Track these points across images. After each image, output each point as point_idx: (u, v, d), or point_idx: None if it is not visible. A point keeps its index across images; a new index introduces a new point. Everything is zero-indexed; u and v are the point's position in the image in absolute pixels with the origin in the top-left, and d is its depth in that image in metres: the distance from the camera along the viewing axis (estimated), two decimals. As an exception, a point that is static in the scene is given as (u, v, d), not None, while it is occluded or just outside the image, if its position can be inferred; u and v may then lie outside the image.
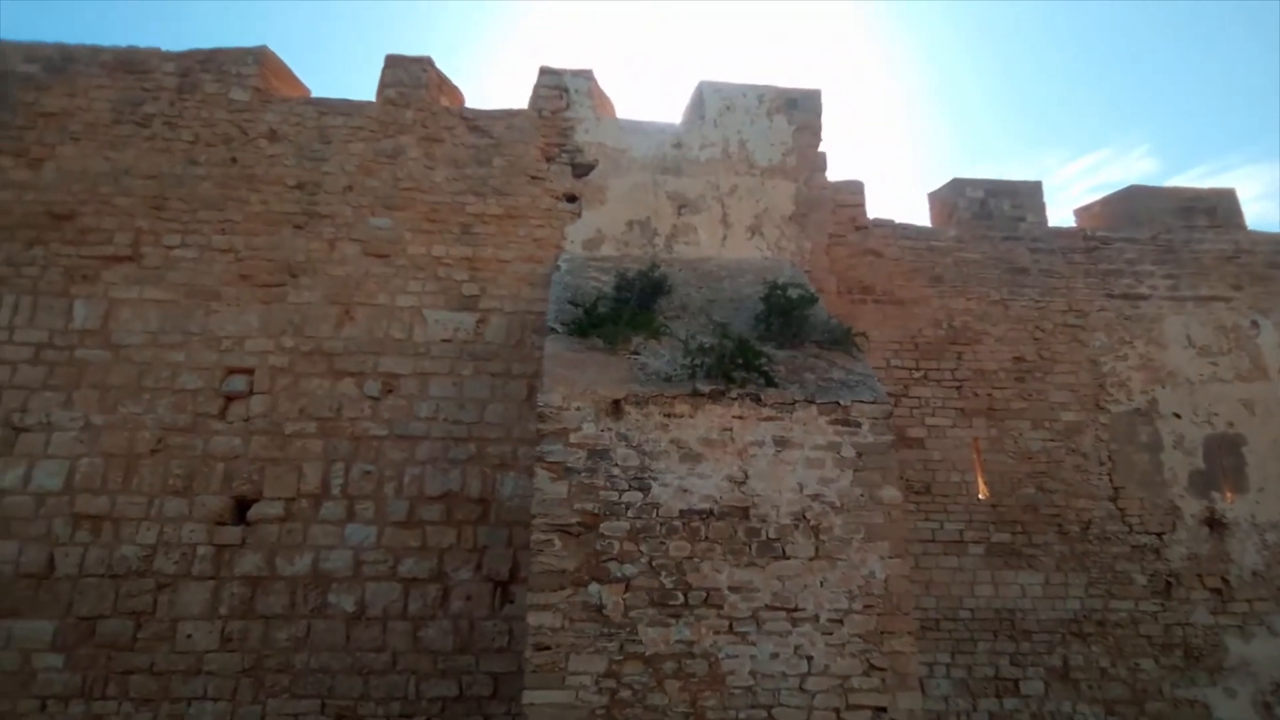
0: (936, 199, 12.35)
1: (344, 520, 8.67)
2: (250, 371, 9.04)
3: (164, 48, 10.08)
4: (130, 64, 9.97)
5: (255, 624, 8.28)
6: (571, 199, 10.15)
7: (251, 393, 8.98)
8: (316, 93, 10.68)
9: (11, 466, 8.50)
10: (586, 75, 10.75)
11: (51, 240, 9.27)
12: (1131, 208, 12.41)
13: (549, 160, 10.27)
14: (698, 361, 7.63)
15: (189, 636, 8.21)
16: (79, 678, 8.02)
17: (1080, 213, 13.13)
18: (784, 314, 8.64)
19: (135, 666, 8.10)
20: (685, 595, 6.82)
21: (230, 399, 8.96)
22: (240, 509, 8.64)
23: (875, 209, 12.58)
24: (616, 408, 7.29)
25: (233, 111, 9.94)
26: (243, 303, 9.28)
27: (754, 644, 6.72)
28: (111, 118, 9.77)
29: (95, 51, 9.95)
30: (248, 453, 8.77)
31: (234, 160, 9.78)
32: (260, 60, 10.11)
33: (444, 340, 9.43)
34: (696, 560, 6.93)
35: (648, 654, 6.62)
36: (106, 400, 8.80)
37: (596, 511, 6.99)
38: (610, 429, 7.23)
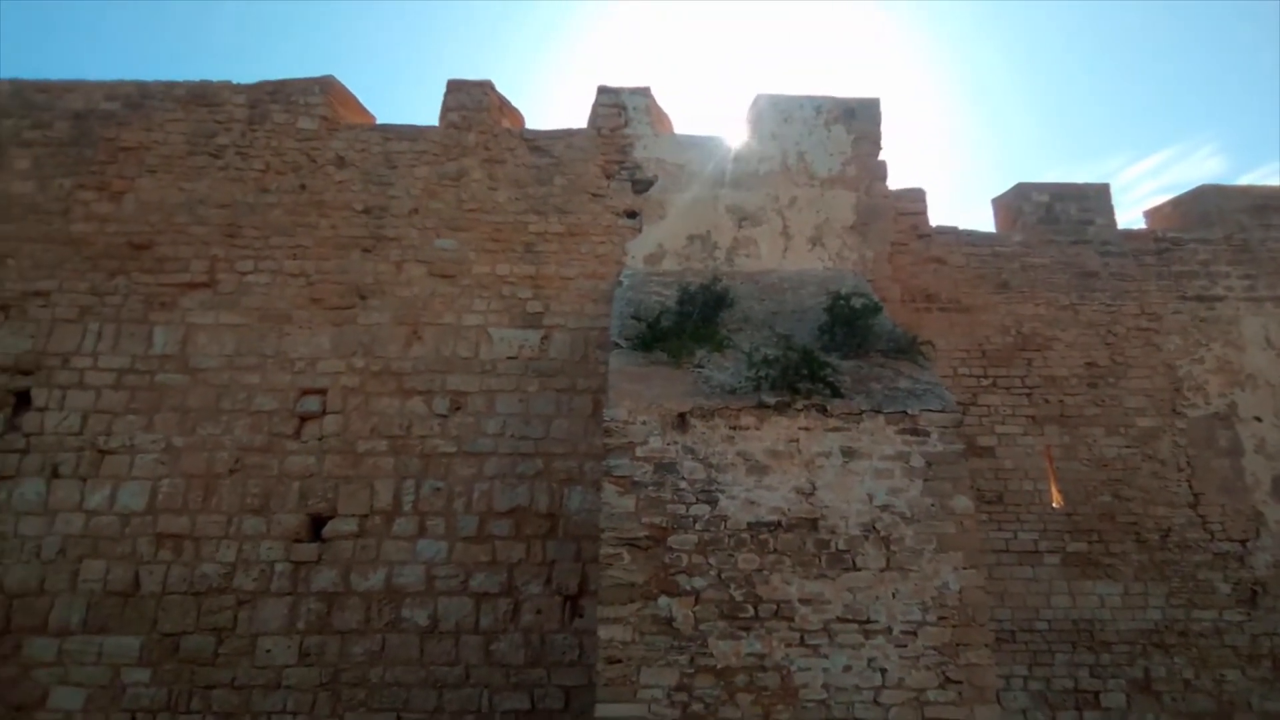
0: (1001, 204, 12.18)
1: (416, 536, 8.82)
2: (323, 392, 9.27)
3: (233, 79, 10.42)
4: (202, 97, 10.33)
5: (332, 639, 8.45)
6: (632, 215, 10.23)
7: (325, 413, 9.19)
8: (381, 119, 10.94)
9: (98, 488, 8.82)
10: (644, 92, 10.84)
11: (132, 269, 9.63)
12: (1203, 208, 12.10)
13: (609, 177, 10.37)
14: (762, 373, 7.61)
15: (268, 651, 8.40)
16: (165, 692, 8.26)
17: (1150, 214, 12.84)
18: (848, 324, 8.58)
19: (217, 681, 8.32)
20: (755, 608, 6.78)
21: (304, 419, 9.19)
22: (316, 526, 8.85)
23: (937, 217, 12.44)
24: (682, 421, 7.31)
25: (301, 140, 10.23)
26: (314, 325, 9.52)
27: (826, 656, 6.66)
28: (186, 150, 10.12)
29: (170, 86, 10.34)
30: (322, 471, 8.98)
31: (303, 187, 10.05)
32: (326, 89, 10.39)
33: (509, 357, 9.56)
34: (766, 572, 6.90)
35: (719, 667, 6.60)
36: (186, 422, 9.09)
37: (664, 525, 7.00)
38: (676, 442, 7.24)
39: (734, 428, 7.32)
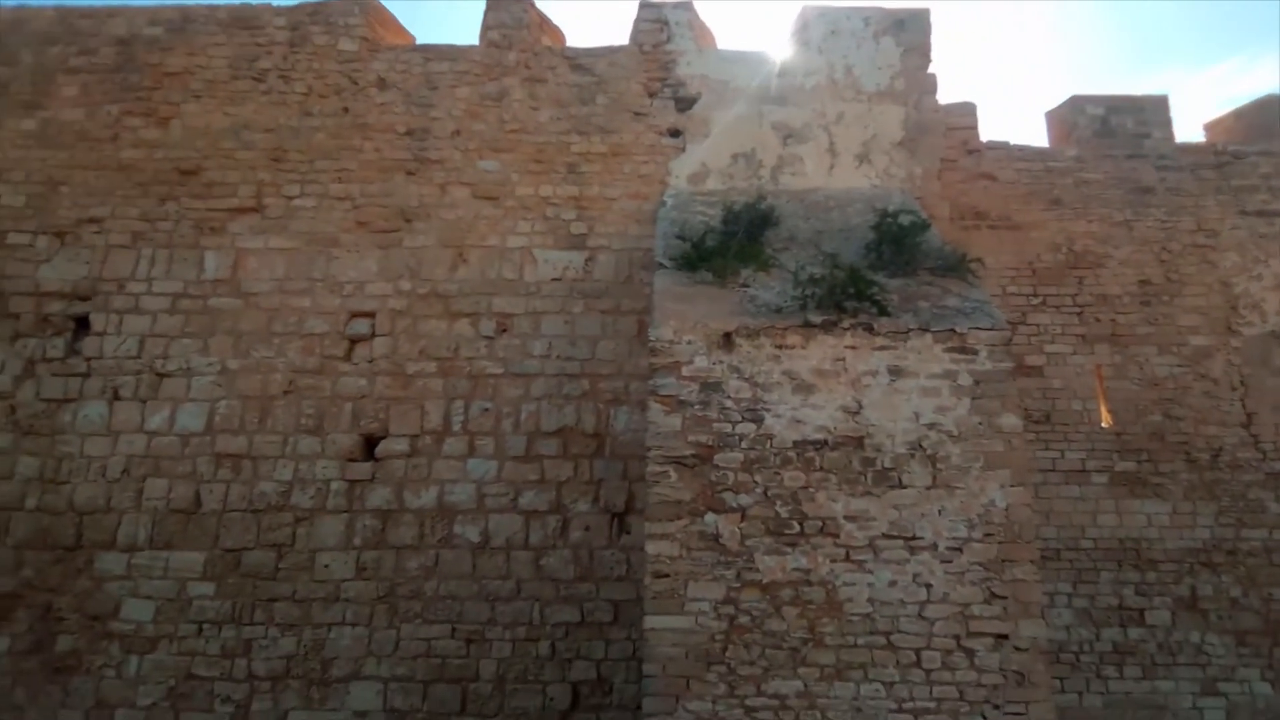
0: (1054, 118, 11.85)
1: (465, 455, 8.99)
2: (372, 315, 9.39)
3: (273, 1, 10.36)
4: (243, 20, 10.31)
5: (387, 554, 8.71)
6: (675, 134, 10.11)
7: (374, 335, 9.33)
8: (420, 39, 10.83)
9: (157, 410, 9.07)
10: (686, 6, 10.61)
11: (181, 195, 9.74)
12: (1267, 119, 11.67)
13: (652, 95, 10.22)
14: (808, 292, 7.57)
15: (326, 566, 8.69)
16: (229, 605, 8.60)
17: (1210, 127, 12.42)
18: (895, 242, 8.48)
19: (279, 595, 8.63)
20: (801, 524, 6.87)
21: (354, 341, 9.33)
22: (369, 446, 9.05)
23: (988, 131, 12.13)
24: (728, 340, 7.32)
25: (342, 62, 10.19)
26: (361, 249, 9.61)
27: (871, 572, 6.74)
28: (229, 74, 10.14)
29: (212, 10, 10.32)
30: (373, 392, 9.15)
31: (346, 110, 10.04)
32: (366, 10, 10.31)
33: (554, 279, 9.58)
34: (811, 490, 6.96)
35: (765, 581, 6.72)
36: (240, 346, 9.28)
37: (710, 443, 7.07)
38: (722, 361, 7.27)
39: (780, 347, 7.32)
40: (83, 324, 9.37)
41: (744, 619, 6.63)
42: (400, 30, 10.82)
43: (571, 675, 8.43)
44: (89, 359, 9.22)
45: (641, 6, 10.61)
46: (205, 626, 8.53)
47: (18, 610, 8.59)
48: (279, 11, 10.34)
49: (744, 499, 6.93)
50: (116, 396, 9.10)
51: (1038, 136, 12.84)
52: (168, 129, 9.96)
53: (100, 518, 8.79)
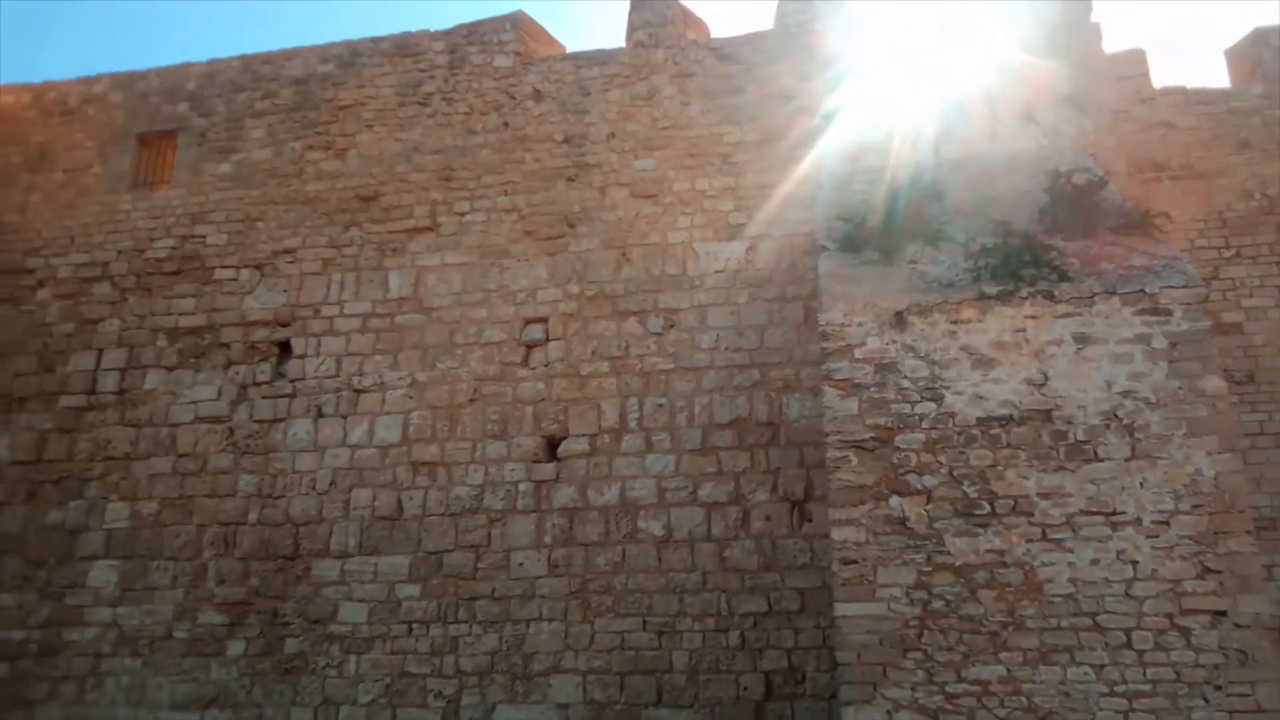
0: (1235, 55, 11.01)
1: (643, 451, 9.20)
2: (544, 320, 9.74)
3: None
4: (405, 48, 10.91)
5: (576, 551, 9.01)
6: (828, 114, 9.96)
7: (548, 339, 9.67)
8: (569, 44, 11.12)
9: (357, 424, 9.71)
10: (830, -17, 10.45)
11: (363, 220, 10.40)
12: None
13: (802, 78, 10.11)
14: (981, 263, 7.36)
15: (521, 565, 9.07)
16: (434, 605, 9.11)
17: None
18: (1071, 203, 8.10)
19: (478, 593, 9.08)
20: (991, 504, 6.69)
21: (530, 347, 9.71)
22: (551, 447, 9.40)
23: (1161, 78, 11.38)
24: (900, 319, 7.20)
25: (499, 79, 10.60)
26: (530, 256, 9.97)
27: (1071, 551, 6.50)
28: (397, 101, 10.74)
29: (375, 42, 10.99)
30: (551, 395, 9.49)
31: (506, 125, 10.45)
32: (517, 25, 10.70)
33: (717, 271, 9.65)
34: (1000, 468, 6.77)
35: (957, 564, 6.58)
36: (426, 358, 9.80)
37: (890, 425, 6.98)
38: (895, 341, 7.16)
39: (955, 322, 7.15)
40: (285, 348, 10.14)
41: (938, 604, 6.53)
42: (550, 41, 11.14)
43: (763, 665, 8.50)
44: (293, 380, 9.96)
45: (788, -11, 10.52)
46: (415, 626, 9.07)
47: (249, 616, 9.37)
48: (437, 36, 10.87)
49: (929, 480, 6.82)
50: (320, 414, 9.79)
51: (1217, 78, 11.96)
52: (346, 159, 10.64)
53: (314, 528, 9.49)
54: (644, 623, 8.74)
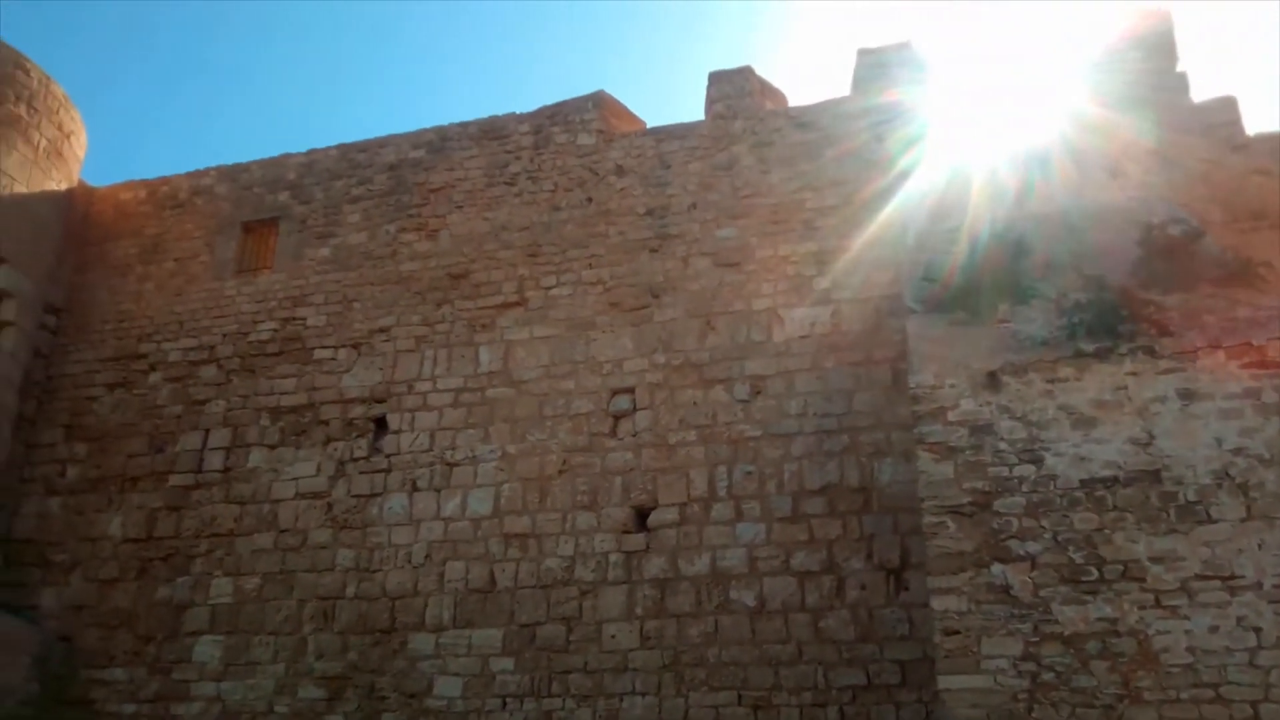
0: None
1: (734, 520, 9.10)
2: (631, 390, 9.80)
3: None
4: (492, 131, 11.33)
5: (669, 622, 8.91)
6: (908, 174, 9.93)
7: (635, 409, 9.72)
8: (650, 119, 11.38)
9: (450, 498, 9.86)
10: (904, 46, 10.54)
11: (454, 298, 10.70)
12: None
13: (880, 139, 10.14)
14: (1075, 320, 7.21)
15: (613, 637, 9.00)
16: (528, 679, 9.07)
17: None
18: (1166, 255, 7.89)
19: (571, 666, 9.02)
20: (1099, 569, 6.46)
21: (618, 418, 9.76)
22: (641, 517, 9.37)
23: (1254, 124, 11.05)
24: (993, 379, 7.08)
25: (582, 156, 10.90)
26: (616, 328, 10.09)
27: (1187, 617, 6.22)
28: (485, 182, 11.13)
29: (464, 127, 11.46)
30: (640, 465, 9.50)
31: (590, 200, 10.70)
32: (599, 104, 11.04)
33: (802, 336, 9.61)
34: (1107, 531, 6.55)
35: (1066, 634, 6.34)
36: (516, 431, 9.94)
37: (987, 489, 6.82)
38: (990, 402, 7.03)
39: (1052, 381, 7.00)
40: (381, 424, 10.40)
41: (1048, 675, 6.27)
42: (631, 117, 11.42)
43: (863, 740, 8.22)
44: (389, 455, 10.19)
45: (860, 54, 10.63)
46: (509, 700, 9.03)
47: (347, 690, 9.47)
48: (522, 118, 11.28)
49: (1032, 546, 6.61)
50: (415, 488, 9.98)
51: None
52: (437, 239, 11.02)
53: (409, 601, 9.59)
54: (739, 696, 8.55)
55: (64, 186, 11.84)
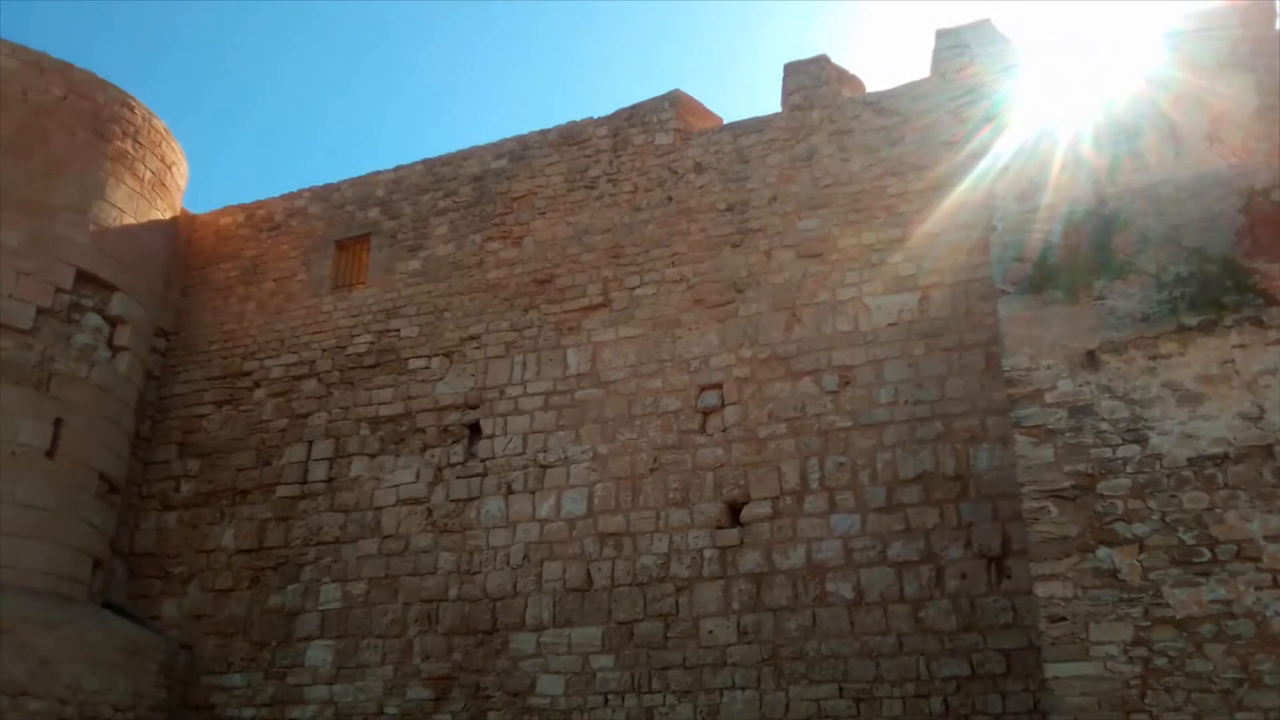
0: None
1: (827, 512, 9.04)
2: (719, 386, 9.81)
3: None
4: (571, 136, 11.49)
5: (765, 616, 8.89)
6: (992, 153, 9.72)
7: (723, 405, 9.73)
8: (726, 115, 11.40)
9: (545, 499, 10.03)
10: (983, 24, 10.33)
11: (540, 303, 10.88)
12: None
13: (962, 120, 9.95)
14: (1177, 293, 6.97)
15: (710, 632, 9.03)
16: (628, 675, 9.16)
17: None
18: (1272, 222, 7.54)
19: (670, 663, 9.08)
20: (1211, 550, 6.25)
21: (706, 414, 9.79)
22: (733, 512, 9.37)
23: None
24: (1091, 359, 6.90)
25: (661, 156, 10.97)
26: (701, 325, 10.12)
27: (1310, 598, 5.93)
28: (566, 187, 11.28)
29: (543, 134, 11.67)
30: (730, 460, 9.50)
31: (670, 199, 10.76)
32: (675, 103, 11.11)
33: (890, 324, 9.49)
34: (1218, 510, 6.33)
35: (1179, 617, 6.15)
36: (606, 431, 10.06)
37: (1090, 471, 6.65)
38: (1089, 382, 6.85)
39: (1153, 357, 6.78)
40: (475, 430, 10.64)
41: (1160, 661, 6.08)
42: (707, 114, 11.44)
43: (970, 732, 8.07)
44: (484, 460, 10.42)
45: (938, 35, 10.46)
46: (610, 697, 9.14)
47: (453, 690, 9.71)
48: (599, 122, 11.43)
49: (1139, 528, 6.43)
50: (510, 491, 10.18)
51: None
52: (522, 246, 11.23)
53: (509, 602, 9.78)
54: (840, 689, 8.48)
55: (168, 215, 12.40)
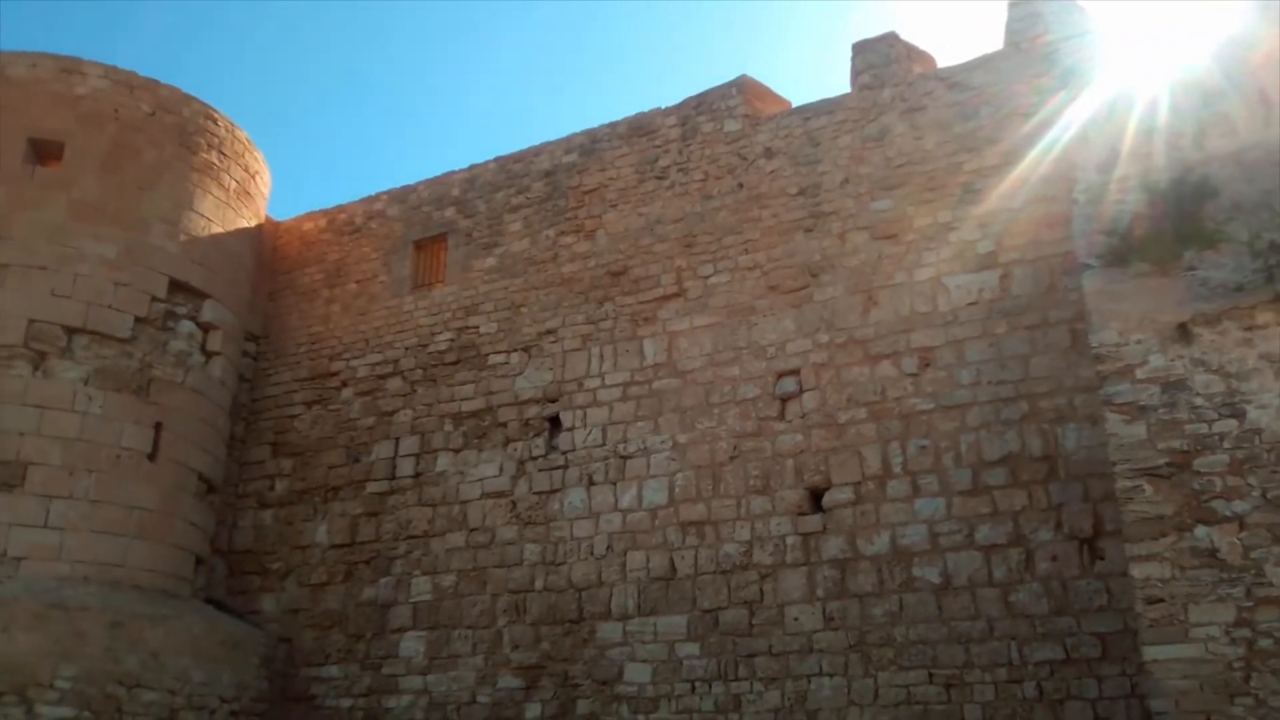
0: None
1: (911, 496, 8.94)
2: (796, 372, 9.77)
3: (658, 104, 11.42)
4: (639, 127, 11.52)
5: (851, 602, 8.84)
6: (1072, 124, 9.44)
7: (802, 391, 9.68)
8: (794, 98, 11.30)
9: (626, 489, 10.12)
10: (1060, -9, 10.00)
11: (615, 295, 10.96)
12: None
13: (1038, 92, 9.68)
14: (1273, 261, 6.73)
15: (795, 619, 9.02)
16: (714, 663, 9.21)
17: None
18: (1376, 183, 7.21)
19: (756, 650, 9.09)
20: (1319, 526, 5.98)
21: (785, 400, 9.75)
22: (815, 498, 9.34)
23: None
24: (1183, 332, 6.68)
25: (730, 142, 10.92)
26: (776, 311, 10.08)
27: None
28: (637, 179, 11.32)
29: (612, 127, 11.73)
30: (810, 446, 9.46)
31: (740, 186, 10.71)
32: (742, 89, 11.04)
33: (970, 304, 9.32)
34: (1324, 485, 6.05)
35: (1284, 597, 5.91)
36: (685, 420, 10.09)
37: (1185, 448, 6.45)
38: (1181, 356, 6.63)
39: (1249, 328, 6.55)
40: (555, 423, 10.79)
41: (1265, 642, 5.90)
42: (776, 98, 11.35)
43: (1065, 717, 7.90)
44: (565, 452, 10.56)
45: (1011, 4, 10.20)
46: (697, 684, 9.20)
47: (542, 679, 9.88)
48: (668, 112, 11.43)
49: (1239, 505, 6.23)
50: (591, 482, 10.30)
51: None
52: (595, 239, 11.32)
53: (595, 591, 9.91)
54: (929, 675, 8.40)
55: (253, 223, 12.83)
